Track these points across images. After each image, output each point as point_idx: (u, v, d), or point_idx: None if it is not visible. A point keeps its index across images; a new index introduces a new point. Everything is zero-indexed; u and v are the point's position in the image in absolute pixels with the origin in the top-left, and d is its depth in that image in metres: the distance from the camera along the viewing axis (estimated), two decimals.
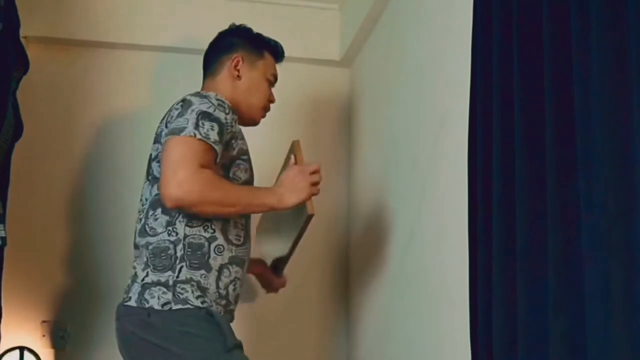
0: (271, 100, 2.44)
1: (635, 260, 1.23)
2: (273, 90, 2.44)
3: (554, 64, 1.46)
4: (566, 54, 1.43)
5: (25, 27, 2.59)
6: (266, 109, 2.43)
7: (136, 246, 2.19)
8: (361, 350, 2.80)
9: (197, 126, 2.09)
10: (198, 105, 2.13)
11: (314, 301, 3.04)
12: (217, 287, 2.13)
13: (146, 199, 2.19)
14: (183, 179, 2.04)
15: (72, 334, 2.84)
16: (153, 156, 2.23)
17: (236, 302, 2.21)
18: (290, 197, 2.15)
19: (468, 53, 1.88)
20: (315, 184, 2.17)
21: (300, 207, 2.19)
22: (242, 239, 2.21)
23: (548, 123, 1.46)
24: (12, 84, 2.44)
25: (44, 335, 2.81)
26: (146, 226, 2.16)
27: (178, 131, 2.10)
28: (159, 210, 2.14)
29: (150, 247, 2.13)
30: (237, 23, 2.46)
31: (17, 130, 2.48)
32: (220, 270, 2.14)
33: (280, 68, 2.46)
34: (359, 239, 2.91)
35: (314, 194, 2.17)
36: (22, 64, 2.53)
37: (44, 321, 2.82)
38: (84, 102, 3.00)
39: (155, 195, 2.15)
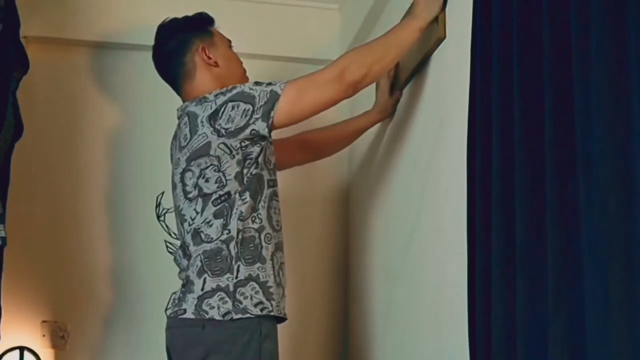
0: (240, 61, 2.47)
1: (635, 261, 1.23)
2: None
3: (554, 64, 1.46)
4: (566, 53, 1.42)
5: (25, 27, 2.59)
6: (245, 71, 2.46)
7: (189, 256, 2.18)
8: (360, 351, 2.80)
9: (254, 90, 2.16)
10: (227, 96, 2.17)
11: (312, 302, 3.04)
12: (275, 275, 2.15)
13: (192, 218, 2.18)
14: (333, 73, 2.14)
15: (72, 334, 2.84)
16: (179, 179, 2.23)
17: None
18: (429, 12, 2.17)
19: (468, 53, 1.88)
20: None
21: (430, 30, 2.19)
22: (280, 224, 2.24)
23: (548, 123, 1.46)
24: (12, 84, 2.44)
25: (44, 335, 2.80)
26: (201, 234, 2.16)
27: (232, 133, 2.13)
28: (210, 217, 2.14)
29: (206, 253, 2.13)
30: (216, 24, 2.46)
31: (17, 130, 2.48)
32: (272, 259, 2.17)
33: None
34: (359, 239, 2.90)
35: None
36: (22, 64, 2.53)
37: (44, 321, 2.82)
38: (84, 102, 3.00)
39: (210, 209, 2.15)
